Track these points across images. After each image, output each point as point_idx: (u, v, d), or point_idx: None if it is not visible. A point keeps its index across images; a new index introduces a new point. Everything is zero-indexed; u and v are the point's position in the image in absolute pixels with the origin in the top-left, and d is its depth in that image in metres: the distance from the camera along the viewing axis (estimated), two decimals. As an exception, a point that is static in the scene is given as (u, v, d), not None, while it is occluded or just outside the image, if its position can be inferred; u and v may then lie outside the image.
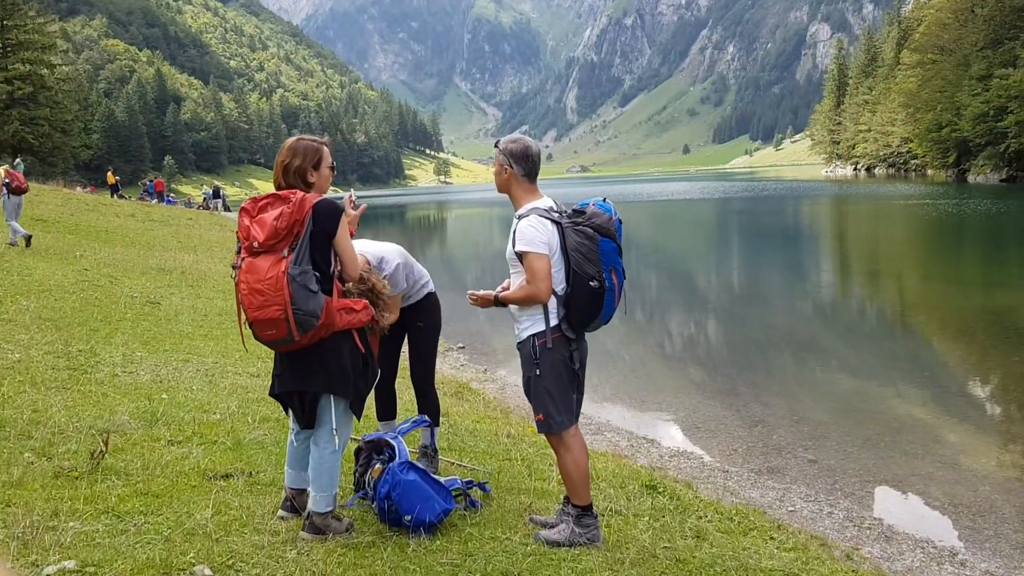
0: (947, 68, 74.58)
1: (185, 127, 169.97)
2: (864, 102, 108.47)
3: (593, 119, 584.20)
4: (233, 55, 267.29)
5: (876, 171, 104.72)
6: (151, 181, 50.16)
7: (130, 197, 45.57)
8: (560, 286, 3.65)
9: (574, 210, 3.77)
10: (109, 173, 47.16)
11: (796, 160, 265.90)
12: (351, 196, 4.01)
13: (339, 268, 3.45)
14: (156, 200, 43.90)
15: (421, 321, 4.68)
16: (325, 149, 3.61)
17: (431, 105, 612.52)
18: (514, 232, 3.68)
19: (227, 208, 46.12)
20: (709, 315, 16.99)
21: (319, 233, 3.30)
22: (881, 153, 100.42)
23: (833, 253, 28.15)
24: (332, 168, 3.61)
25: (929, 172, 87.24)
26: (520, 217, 3.71)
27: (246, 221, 3.29)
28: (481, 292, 3.81)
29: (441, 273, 28.98)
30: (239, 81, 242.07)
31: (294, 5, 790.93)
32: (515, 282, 3.76)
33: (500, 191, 3.92)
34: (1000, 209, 38.65)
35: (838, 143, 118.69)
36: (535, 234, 3.58)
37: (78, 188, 44.31)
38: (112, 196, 42.03)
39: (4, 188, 13.92)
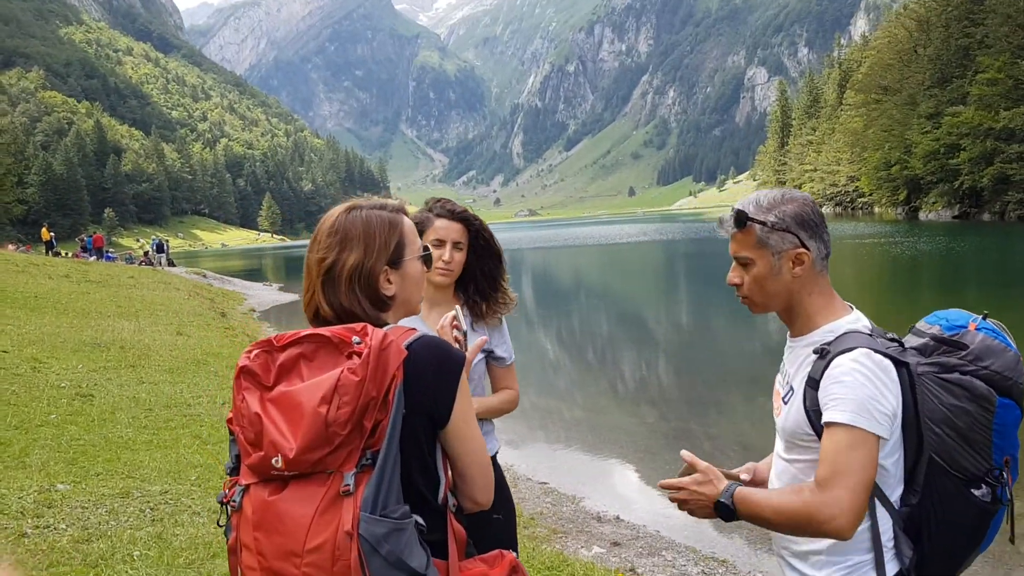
0: (893, 107, 75.76)
1: (126, 179, 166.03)
2: (808, 142, 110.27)
3: (539, 163, 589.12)
4: (175, 105, 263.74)
5: (823, 210, 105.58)
6: (89, 236, 47.63)
7: (67, 254, 43.14)
8: (896, 491, 1.84)
9: (937, 339, 1.89)
10: (44, 228, 44.66)
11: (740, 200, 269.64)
12: (457, 317, 2.07)
13: (455, 485, 1.76)
14: (95, 257, 41.52)
15: None
16: (406, 221, 1.86)
17: (378, 152, 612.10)
18: (819, 377, 1.83)
19: (171, 263, 43.90)
20: (661, 356, 17.26)
21: (419, 419, 1.62)
22: (828, 192, 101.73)
23: None
24: (427, 258, 1.89)
25: (876, 210, 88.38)
26: (828, 353, 1.84)
27: (253, 401, 1.58)
28: (693, 479, 1.96)
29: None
30: (182, 131, 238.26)
31: (237, 55, 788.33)
32: (783, 473, 2.03)
33: (768, 305, 2.03)
34: (956, 247, 38.56)
35: (784, 183, 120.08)
36: (873, 391, 1.74)
37: (10, 246, 41.76)
38: (47, 253, 39.65)
39: None
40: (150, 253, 45.52)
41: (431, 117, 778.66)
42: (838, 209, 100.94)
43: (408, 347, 1.60)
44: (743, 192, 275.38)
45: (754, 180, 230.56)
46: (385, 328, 1.64)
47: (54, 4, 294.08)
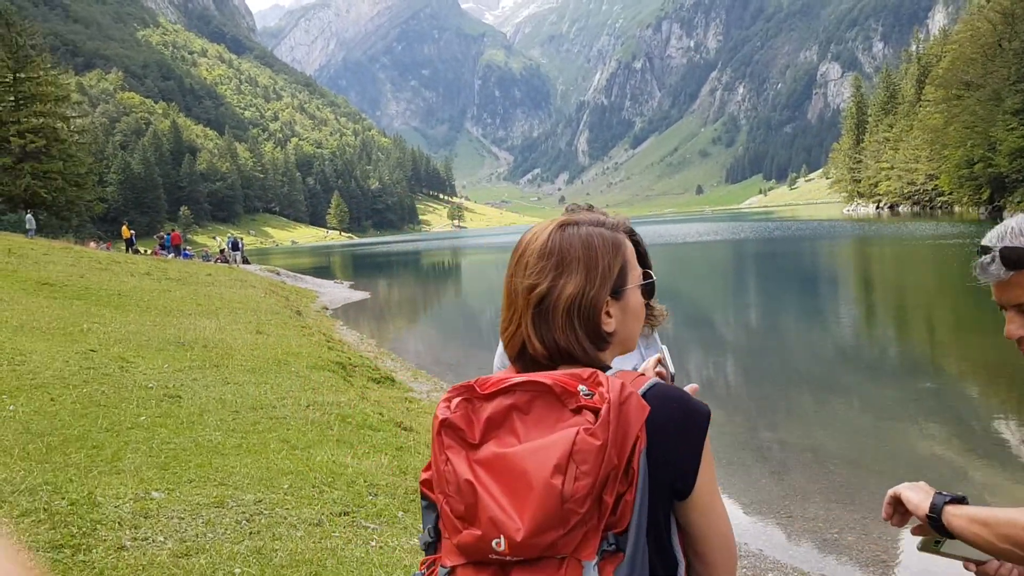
0: (976, 103, 72.92)
1: (201, 177, 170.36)
2: (885, 139, 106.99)
3: (605, 161, 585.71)
4: (248, 105, 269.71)
5: (900, 209, 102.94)
6: (167, 234, 48.71)
7: (146, 251, 44.23)
8: None
9: None
10: (124, 227, 45.88)
11: (811, 199, 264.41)
12: (663, 359, 1.80)
13: (691, 568, 1.40)
14: (172, 254, 42.47)
15: None
16: (628, 242, 1.57)
17: (443, 151, 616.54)
18: None
19: (246, 260, 44.65)
20: (728, 358, 17.03)
21: (660, 490, 1.30)
22: (905, 191, 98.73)
23: (856, 294, 27.42)
24: (650, 287, 1.59)
25: (957, 209, 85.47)
26: None
27: (460, 464, 1.24)
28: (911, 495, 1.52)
29: (458, 321, 28.08)
30: (254, 131, 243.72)
31: (307, 56, 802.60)
32: None
33: None
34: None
35: (859, 181, 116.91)
36: None
37: (92, 244, 43.01)
38: (127, 251, 40.66)
39: None
40: (225, 251, 46.39)
41: (496, 115, 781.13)
42: (916, 208, 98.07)
43: (646, 399, 1.29)
44: (815, 190, 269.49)
45: (827, 178, 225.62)
46: (610, 373, 1.32)
47: (132, 7, 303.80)
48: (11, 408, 6.88)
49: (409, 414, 9.99)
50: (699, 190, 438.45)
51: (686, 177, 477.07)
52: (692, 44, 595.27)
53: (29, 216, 40.02)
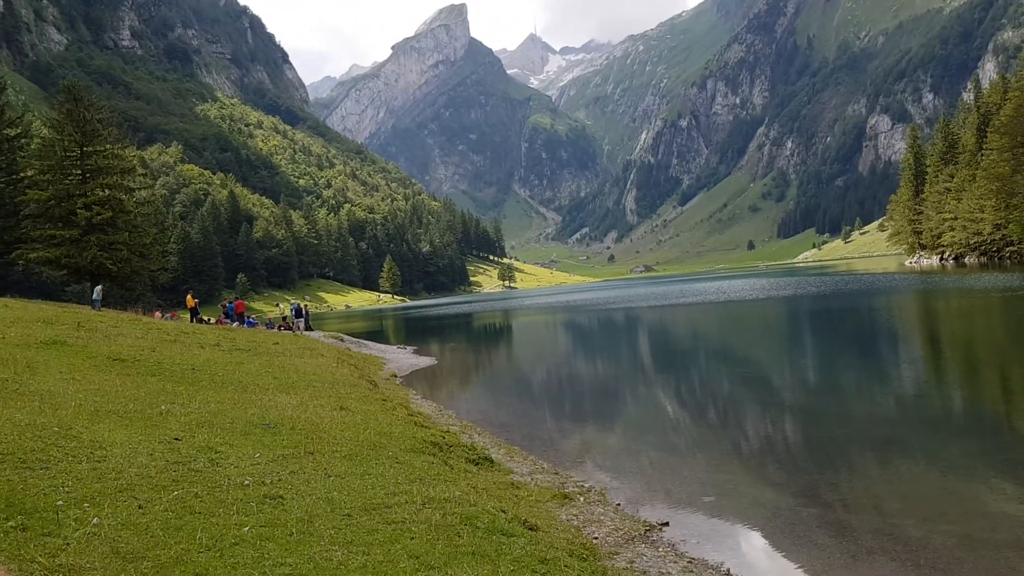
0: (1047, 150, 70.76)
1: (257, 245, 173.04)
2: (947, 189, 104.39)
3: (653, 219, 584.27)
4: (302, 174, 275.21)
5: (967, 260, 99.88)
6: (231, 302, 48.57)
7: (210, 319, 44.02)
8: None
9: None
10: (188, 296, 45.79)
11: (868, 252, 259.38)
12: None
13: None
14: (237, 323, 42.15)
15: None
16: None
17: (492, 212, 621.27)
18: None
19: (309, 327, 44.16)
20: (786, 415, 16.88)
21: None
22: (971, 241, 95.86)
23: (922, 349, 26.47)
24: None
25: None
26: None
27: None
28: None
29: (525, 385, 27.04)
30: (308, 198, 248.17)
31: (358, 125, 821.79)
32: None
33: None
34: None
35: (921, 232, 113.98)
36: None
37: (157, 314, 42.87)
38: (192, 320, 40.44)
39: None
40: (288, 318, 46.05)
41: (543, 176, 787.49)
42: (983, 259, 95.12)
43: None
44: (871, 243, 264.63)
45: (882, 230, 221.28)
46: None
47: (191, 84, 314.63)
48: (95, 521, 5.87)
49: (526, 506, 8.85)
50: (751, 245, 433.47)
51: (737, 232, 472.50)
52: (738, 101, 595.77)
53: (98, 288, 40.09)
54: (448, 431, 14.21)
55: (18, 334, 17.92)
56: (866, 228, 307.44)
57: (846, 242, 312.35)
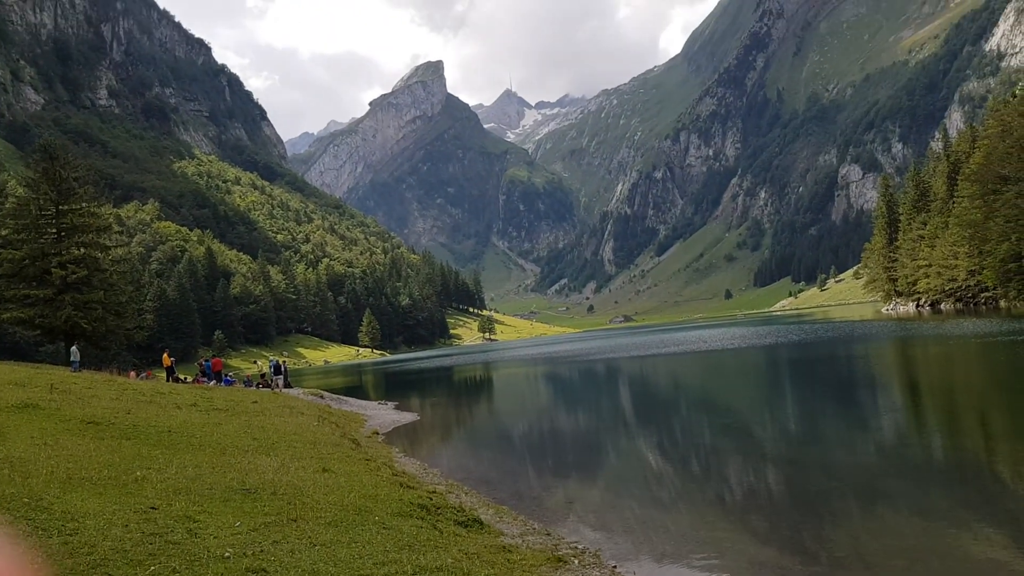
0: (1016, 196, 72.04)
1: (235, 301, 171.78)
2: (920, 237, 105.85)
3: (631, 269, 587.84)
4: (280, 229, 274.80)
5: (942, 306, 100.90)
6: (208, 360, 47.90)
7: (187, 379, 43.32)
8: None
9: None
10: (165, 355, 45.08)
11: (844, 299, 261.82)
12: None
13: None
14: (214, 381, 41.49)
15: None
16: None
17: (471, 264, 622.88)
18: None
19: (288, 384, 43.53)
20: (768, 466, 16.84)
21: None
22: (946, 287, 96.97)
23: (900, 397, 26.55)
24: None
25: (1003, 304, 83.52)
26: None
27: None
28: None
29: (511, 440, 26.67)
30: (286, 253, 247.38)
31: (336, 180, 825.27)
32: None
33: None
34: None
35: (896, 280, 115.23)
36: None
37: (132, 374, 42.15)
38: (168, 380, 39.78)
39: None
40: (267, 375, 45.41)
41: (521, 228, 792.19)
42: (959, 305, 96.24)
43: None
44: (847, 291, 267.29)
45: (858, 278, 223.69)
46: None
47: (169, 141, 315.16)
48: (68, 601, 5.52)
49: (520, 572, 8.52)
50: (728, 294, 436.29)
51: (714, 282, 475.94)
52: (711, 152, 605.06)
53: (74, 349, 39.44)
54: (435, 491, 13.85)
55: (-11, 398, 17.42)
56: (841, 276, 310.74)
57: (822, 290, 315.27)
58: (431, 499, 12.32)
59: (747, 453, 18.36)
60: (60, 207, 50.81)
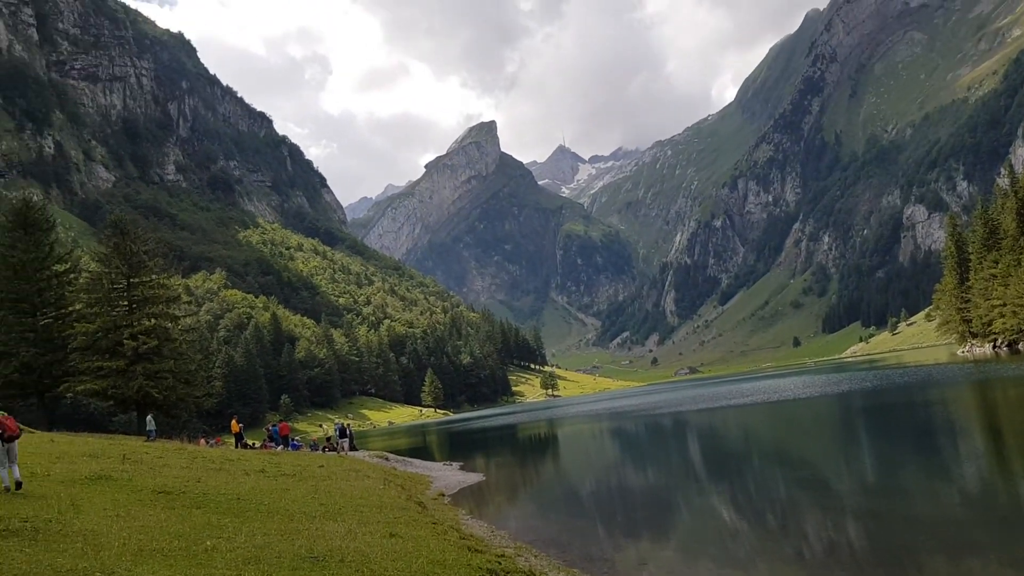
0: (1094, 230, 69.60)
1: (300, 365, 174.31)
2: (992, 275, 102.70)
3: (694, 320, 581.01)
4: (342, 293, 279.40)
5: (1020, 346, 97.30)
6: (275, 425, 48.46)
7: (254, 444, 43.82)
8: None
9: None
10: (233, 421, 45.81)
11: (917, 343, 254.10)
12: None
13: None
14: (281, 446, 41.89)
15: None
16: None
17: (531, 321, 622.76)
18: None
19: (354, 447, 43.68)
20: (848, 518, 16.19)
21: None
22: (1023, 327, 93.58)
23: (984, 443, 25.49)
24: None
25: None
26: None
27: None
28: None
29: (559, 490, 26.15)
30: (348, 316, 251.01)
31: (395, 242, 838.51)
32: None
33: None
34: None
35: (970, 321, 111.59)
36: None
37: (202, 441, 42.84)
38: (237, 446, 40.32)
39: None
40: (332, 438, 45.68)
41: (580, 283, 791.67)
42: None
43: None
44: (919, 334, 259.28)
45: (930, 320, 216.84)
46: None
47: (234, 212, 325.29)
48: None
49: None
50: (796, 342, 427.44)
51: (781, 330, 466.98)
52: (771, 198, 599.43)
53: (150, 418, 40.55)
54: (503, 555, 13.57)
55: (63, 470, 17.79)
56: (912, 319, 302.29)
57: (893, 334, 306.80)
58: (500, 563, 12.07)
59: (825, 507, 17.76)
60: (131, 280, 52.46)
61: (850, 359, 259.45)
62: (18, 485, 14.49)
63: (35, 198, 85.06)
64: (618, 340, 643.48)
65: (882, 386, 64.00)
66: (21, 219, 55.15)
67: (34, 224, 55.41)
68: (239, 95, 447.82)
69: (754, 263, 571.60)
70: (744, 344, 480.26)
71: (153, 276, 54.10)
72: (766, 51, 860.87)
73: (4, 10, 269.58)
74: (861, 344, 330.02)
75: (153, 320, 52.64)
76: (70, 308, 54.77)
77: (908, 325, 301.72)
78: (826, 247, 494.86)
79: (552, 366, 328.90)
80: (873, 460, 25.40)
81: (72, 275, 57.59)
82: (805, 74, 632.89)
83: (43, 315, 54.17)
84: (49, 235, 57.63)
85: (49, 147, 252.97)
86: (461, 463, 40.56)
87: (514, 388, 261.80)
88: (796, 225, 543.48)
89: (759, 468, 28.00)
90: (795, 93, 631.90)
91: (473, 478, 32.99)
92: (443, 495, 26.33)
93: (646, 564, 14.61)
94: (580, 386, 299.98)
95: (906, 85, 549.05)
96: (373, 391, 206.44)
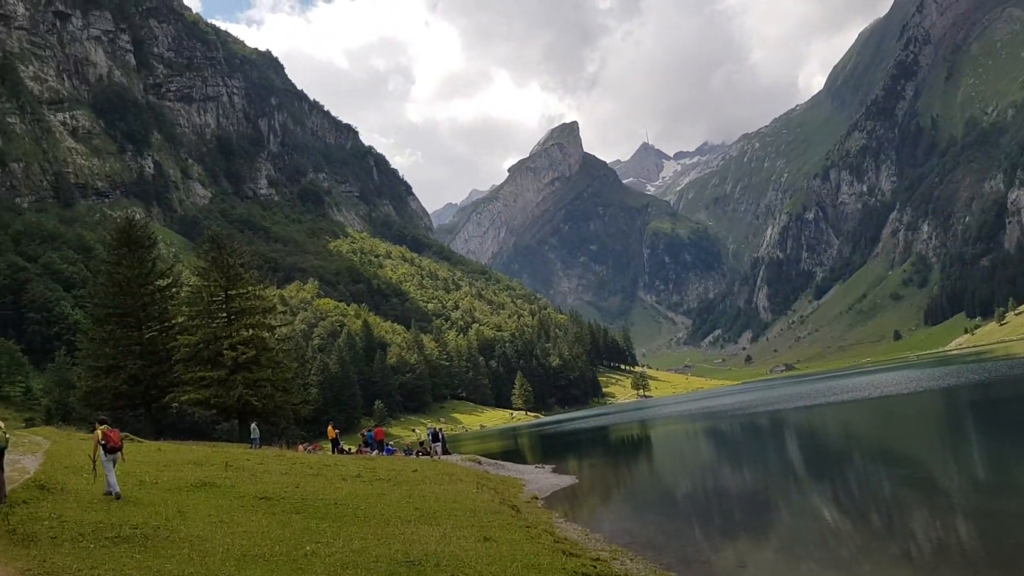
0: None
1: (392, 371, 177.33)
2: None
3: (789, 315, 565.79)
4: (430, 298, 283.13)
5: None
6: (370, 430, 49.29)
7: (350, 449, 44.71)
8: None
9: None
10: (329, 427, 46.89)
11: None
12: None
13: None
14: (376, 451, 42.61)
15: None
16: None
17: (619, 321, 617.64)
18: None
19: (446, 451, 44.11)
20: (958, 517, 15.45)
21: None
22: None
23: None
24: None
25: None
26: None
27: None
28: None
29: (653, 491, 25.71)
30: (437, 321, 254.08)
31: (480, 247, 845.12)
32: None
33: None
34: None
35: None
36: None
37: (300, 447, 43.93)
38: (333, 451, 41.22)
39: (101, 447, 15.32)
40: (425, 442, 46.23)
41: (668, 281, 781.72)
42: None
43: None
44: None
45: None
46: None
47: (324, 223, 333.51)
48: None
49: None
50: (896, 335, 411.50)
51: (880, 323, 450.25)
52: (865, 188, 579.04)
53: (254, 426, 41.96)
54: (599, 558, 13.43)
55: (170, 478, 18.48)
56: (1021, 308, 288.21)
57: (1001, 324, 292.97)
58: (595, 567, 11.94)
59: (933, 505, 17.13)
60: (229, 292, 54.26)
61: (955, 352, 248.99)
62: (116, 496, 15.12)
63: (137, 216, 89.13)
64: (710, 338, 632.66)
65: (991, 379, 61.16)
66: (125, 237, 57.74)
67: (137, 241, 57.92)
68: (326, 108, 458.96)
69: (850, 255, 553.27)
70: (842, 339, 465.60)
71: (249, 288, 55.78)
72: (855, 36, 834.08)
73: (103, 38, 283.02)
74: (966, 336, 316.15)
75: (251, 330, 54.25)
76: (173, 321, 56.98)
77: (1016, 315, 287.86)
78: (925, 236, 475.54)
79: (642, 366, 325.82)
80: (984, 456, 24.27)
81: (174, 289, 59.94)
82: (897, 58, 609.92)
83: (148, 328, 56.52)
84: (151, 251, 60.16)
85: (149, 167, 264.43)
86: (553, 466, 40.49)
87: (604, 389, 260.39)
88: (893, 214, 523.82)
89: (861, 466, 27.18)
90: (887, 78, 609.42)
91: (565, 480, 32.87)
92: (536, 498, 26.29)
93: (745, 566, 14.27)
94: (672, 386, 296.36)
95: (1006, 64, 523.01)
96: (464, 395, 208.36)
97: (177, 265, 76.88)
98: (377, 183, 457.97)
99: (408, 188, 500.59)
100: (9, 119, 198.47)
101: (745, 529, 18.42)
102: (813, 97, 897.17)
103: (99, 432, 15.67)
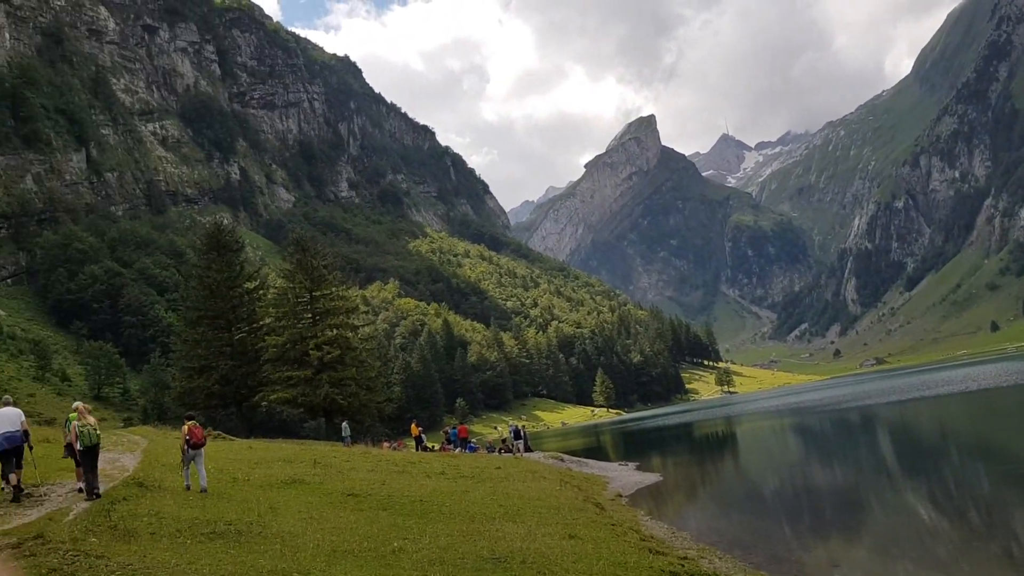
0: None
1: (472, 368, 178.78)
2: None
3: (879, 308, 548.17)
4: (509, 296, 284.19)
5: None
6: (453, 428, 49.73)
7: (433, 447, 45.18)
8: None
9: None
10: (413, 425, 47.51)
11: None
12: None
13: None
14: (459, 448, 42.97)
15: None
16: None
17: (701, 316, 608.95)
18: None
19: (528, 448, 44.15)
20: None
21: None
22: None
23: None
24: None
25: None
26: None
27: None
28: None
29: (740, 489, 25.08)
30: (516, 319, 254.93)
31: (558, 244, 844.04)
32: None
33: None
34: None
35: None
36: None
37: (385, 444, 44.62)
38: (417, 449, 41.72)
39: (185, 443, 15.99)
40: (507, 440, 46.40)
41: (752, 275, 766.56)
42: None
43: None
44: None
45: None
46: None
47: (403, 223, 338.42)
48: None
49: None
50: (994, 327, 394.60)
51: (976, 314, 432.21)
52: (957, 174, 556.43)
53: (345, 424, 43.06)
54: (686, 557, 13.24)
55: (261, 475, 19.00)
56: None
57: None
58: (683, 566, 11.77)
59: None
60: (313, 293, 55.57)
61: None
62: (203, 490, 15.76)
63: (225, 221, 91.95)
64: (796, 332, 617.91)
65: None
66: (214, 242, 59.69)
67: (226, 246, 59.79)
68: (403, 110, 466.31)
69: (942, 244, 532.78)
70: (935, 331, 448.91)
71: (333, 289, 57.02)
72: (943, 18, 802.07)
73: (189, 49, 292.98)
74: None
75: (335, 330, 55.41)
76: (261, 322, 58.63)
77: None
78: (1023, 223, 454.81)
79: (726, 362, 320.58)
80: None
81: (261, 291, 61.67)
82: (989, 38, 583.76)
83: (237, 330, 58.28)
84: (239, 255, 62.01)
85: (235, 173, 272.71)
86: (637, 463, 40.15)
87: (687, 386, 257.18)
88: (988, 201, 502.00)
89: (958, 462, 26.18)
90: (979, 60, 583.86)
91: (650, 478, 32.55)
92: (620, 496, 26.11)
93: (838, 565, 13.87)
94: (758, 382, 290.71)
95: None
96: (544, 392, 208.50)
97: (263, 268, 79.03)
98: (454, 183, 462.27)
99: (485, 187, 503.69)
100: (103, 131, 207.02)
101: (837, 528, 17.92)
102: (900, 82, 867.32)
103: (185, 428, 16.41)
